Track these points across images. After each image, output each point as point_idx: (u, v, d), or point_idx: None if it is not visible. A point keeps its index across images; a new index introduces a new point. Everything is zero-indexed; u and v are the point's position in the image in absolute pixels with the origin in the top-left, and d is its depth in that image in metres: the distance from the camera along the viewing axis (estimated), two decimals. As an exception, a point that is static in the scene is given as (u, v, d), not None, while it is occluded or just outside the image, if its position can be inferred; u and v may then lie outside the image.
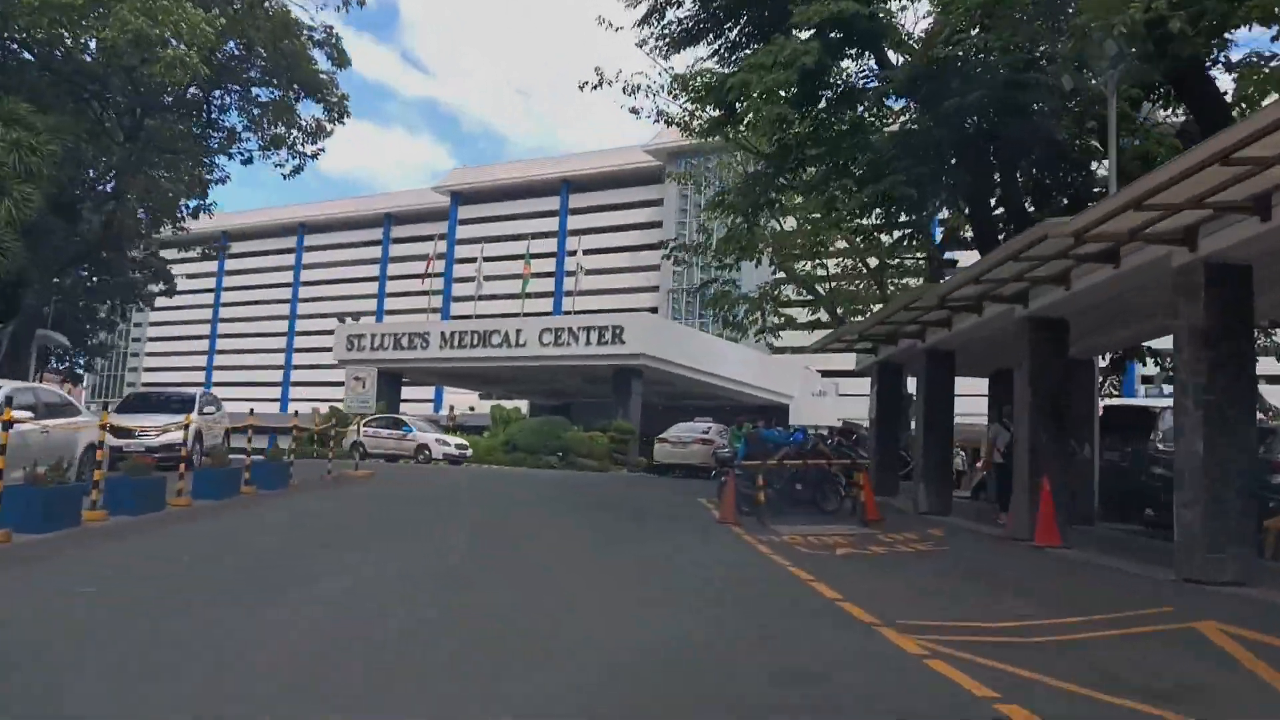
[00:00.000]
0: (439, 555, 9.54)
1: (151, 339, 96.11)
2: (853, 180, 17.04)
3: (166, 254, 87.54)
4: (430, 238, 66.36)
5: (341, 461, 19.56)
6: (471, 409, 49.44)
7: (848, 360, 55.29)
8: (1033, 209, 18.53)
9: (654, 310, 57.89)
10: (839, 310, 25.01)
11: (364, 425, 30.62)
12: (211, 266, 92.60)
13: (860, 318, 24.86)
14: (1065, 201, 18.43)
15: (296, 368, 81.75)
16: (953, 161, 16.82)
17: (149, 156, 21.03)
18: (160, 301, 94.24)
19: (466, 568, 8.97)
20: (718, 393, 43.98)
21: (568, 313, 54.98)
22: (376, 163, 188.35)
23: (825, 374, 54.39)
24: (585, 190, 67.32)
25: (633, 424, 36.26)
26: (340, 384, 48.68)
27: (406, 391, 62.46)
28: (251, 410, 14.82)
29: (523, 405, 49.42)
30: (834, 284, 24.73)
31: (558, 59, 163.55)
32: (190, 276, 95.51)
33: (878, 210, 18.93)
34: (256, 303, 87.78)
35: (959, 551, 11.07)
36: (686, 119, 25.03)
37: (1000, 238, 17.86)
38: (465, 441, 30.50)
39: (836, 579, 8.63)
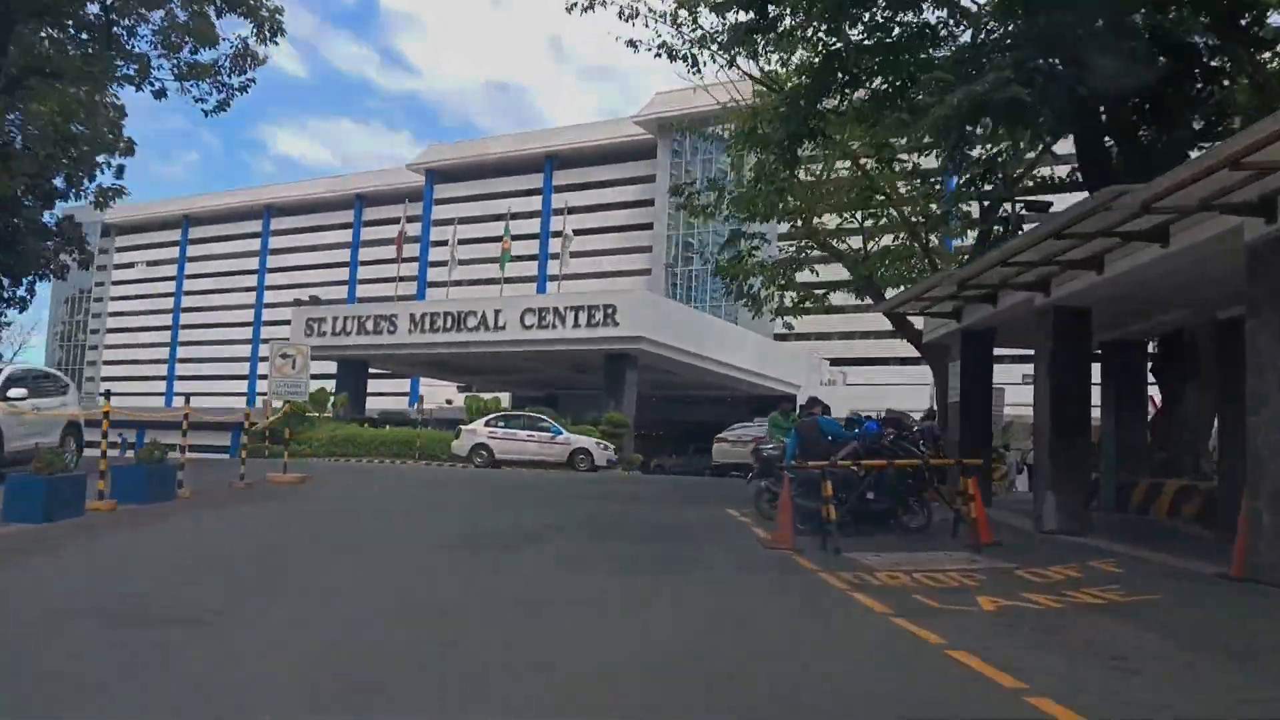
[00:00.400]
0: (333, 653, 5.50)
1: (111, 330, 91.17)
2: (928, 91, 12.95)
3: (126, 239, 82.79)
4: (411, 218, 62.05)
5: (261, 461, 15.41)
6: (449, 402, 45.04)
7: (853, 348, 51.26)
8: (1150, 132, 14.57)
9: (646, 296, 53.76)
10: (876, 278, 20.82)
11: (486, 424, 26.46)
12: (173, 253, 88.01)
13: (907, 286, 20.94)
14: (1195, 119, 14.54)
15: (264, 359, 76.79)
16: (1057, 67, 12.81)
17: (22, 78, 16.73)
18: (120, 290, 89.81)
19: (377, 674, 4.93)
20: (720, 381, 39.97)
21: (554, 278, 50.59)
22: (355, 158, 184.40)
23: (834, 362, 50.45)
24: (571, 166, 62.88)
25: (627, 416, 32.16)
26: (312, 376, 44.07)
27: (380, 384, 58.12)
28: (108, 393, 10.70)
29: (504, 398, 45.23)
30: (874, 244, 20.54)
31: (540, 55, 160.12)
32: (151, 264, 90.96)
33: (942, 145, 14.97)
34: (221, 290, 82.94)
35: (1187, 603, 7.06)
36: (693, 51, 20.87)
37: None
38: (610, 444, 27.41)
39: (1048, 677, 4.71)
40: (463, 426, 26.67)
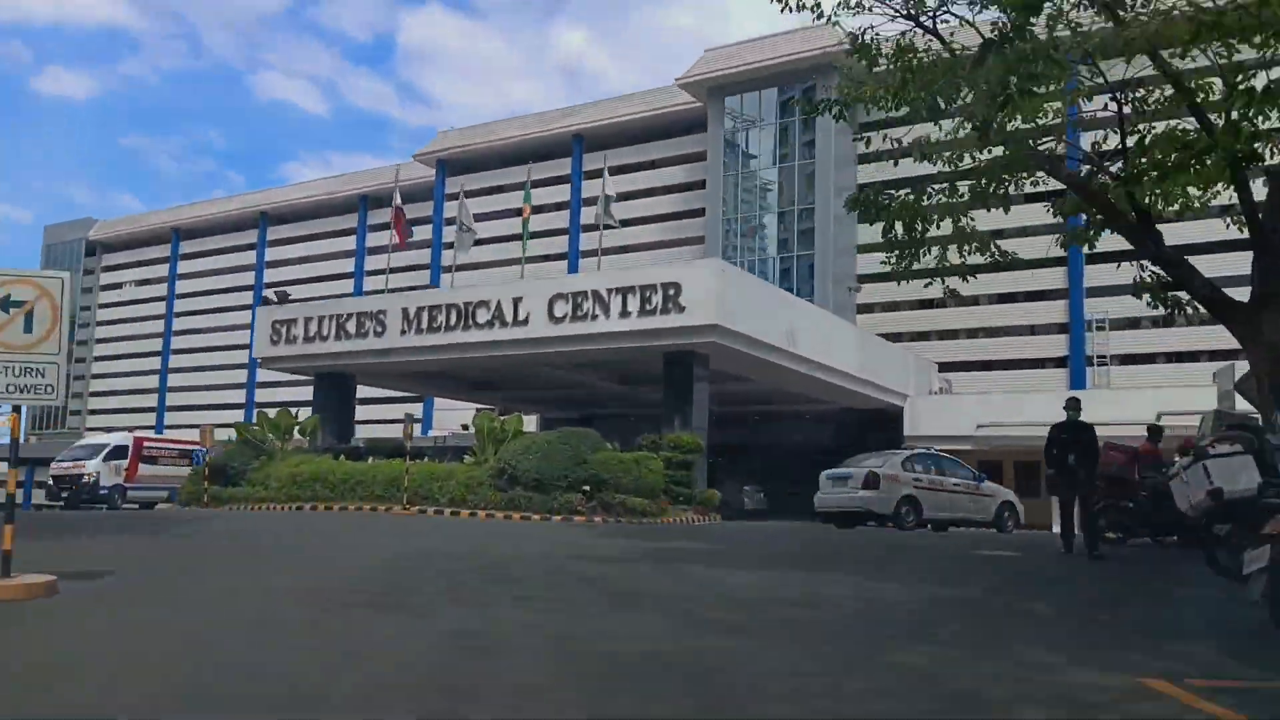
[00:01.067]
0: None
1: (98, 358, 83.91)
2: None
3: (113, 258, 75.61)
4: (420, 219, 54.10)
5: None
6: (465, 427, 36.16)
7: (931, 349, 41.85)
8: None
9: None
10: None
11: (904, 465, 19.34)
12: (163, 270, 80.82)
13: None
14: None
15: (261, 385, 69.21)
16: None
17: None
18: (106, 315, 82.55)
19: None
20: (810, 390, 31.11)
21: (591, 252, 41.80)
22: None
23: (942, 367, 41.28)
24: (603, 147, 54.42)
25: (699, 437, 23.56)
26: (304, 401, 35.80)
27: (386, 408, 49.99)
28: None
29: (531, 421, 36.65)
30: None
31: (556, 86, 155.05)
32: (140, 283, 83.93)
33: None
34: (216, 310, 75.35)
35: None
36: None
37: None
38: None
39: None
40: (876, 469, 18.73)
